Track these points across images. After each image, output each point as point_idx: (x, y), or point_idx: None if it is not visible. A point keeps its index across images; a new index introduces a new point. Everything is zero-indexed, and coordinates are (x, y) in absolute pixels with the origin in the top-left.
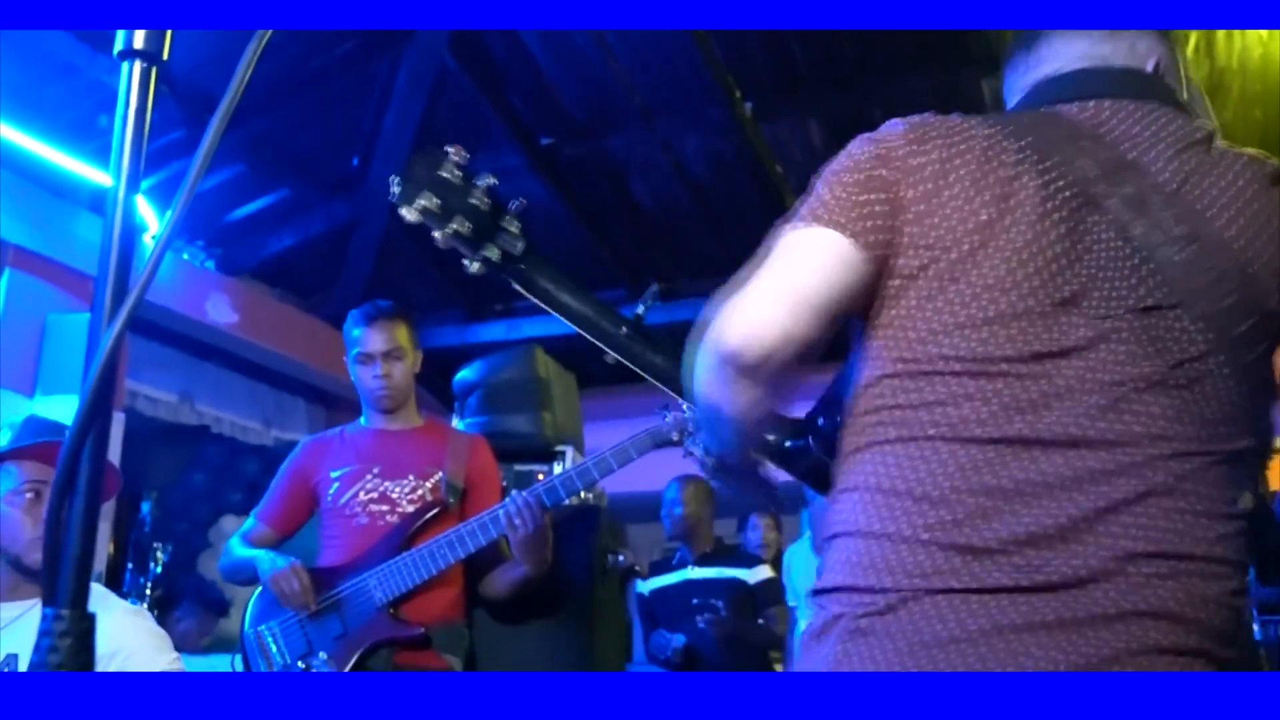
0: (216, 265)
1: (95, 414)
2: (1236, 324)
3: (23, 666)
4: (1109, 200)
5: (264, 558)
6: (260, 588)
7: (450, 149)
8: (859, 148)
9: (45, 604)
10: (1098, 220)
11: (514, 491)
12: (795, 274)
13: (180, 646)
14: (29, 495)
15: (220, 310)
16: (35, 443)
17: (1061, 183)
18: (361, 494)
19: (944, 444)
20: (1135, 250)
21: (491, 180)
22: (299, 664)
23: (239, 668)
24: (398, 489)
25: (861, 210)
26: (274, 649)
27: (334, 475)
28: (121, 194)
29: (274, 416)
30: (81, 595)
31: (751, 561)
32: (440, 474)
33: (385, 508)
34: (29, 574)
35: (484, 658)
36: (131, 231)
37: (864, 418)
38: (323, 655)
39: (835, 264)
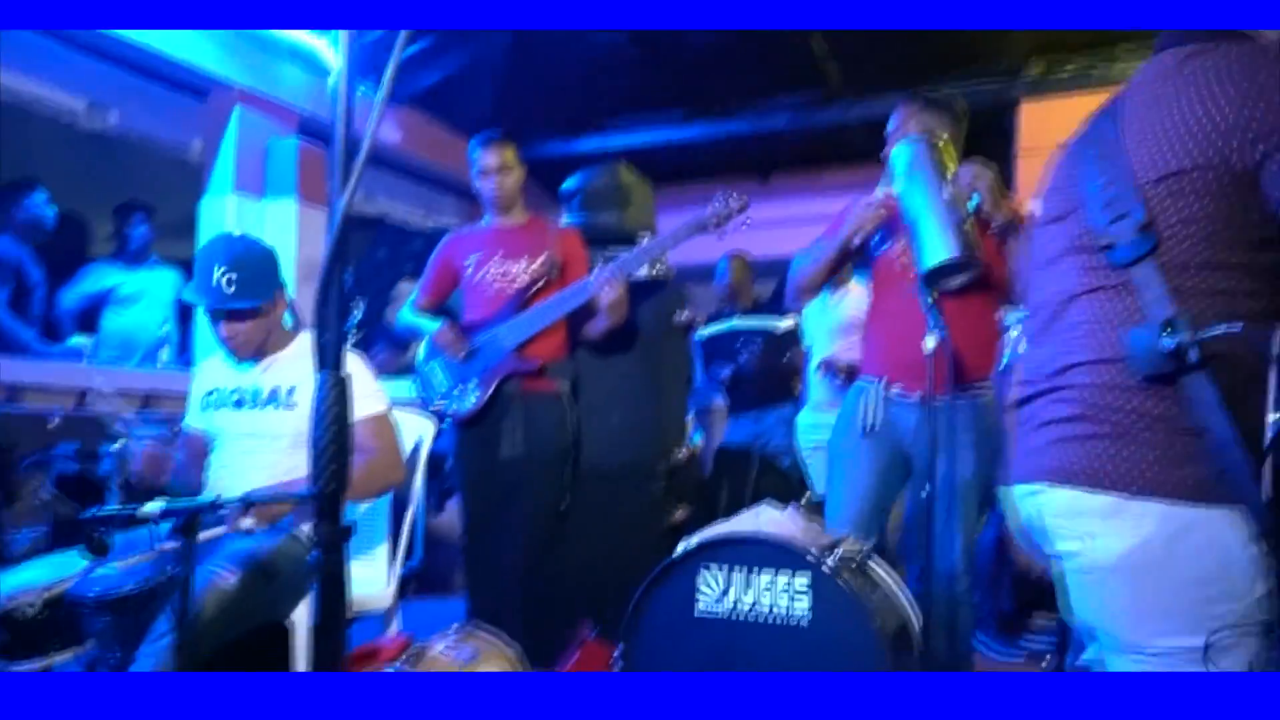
0: None
1: (337, 257)
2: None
3: (299, 397)
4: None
5: (425, 320)
6: (429, 336)
7: None
8: None
9: (319, 367)
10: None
11: (596, 267)
12: None
13: (379, 372)
14: None
15: (388, 130)
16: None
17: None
18: (491, 271)
19: None
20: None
21: None
22: (456, 388)
23: (416, 388)
24: (516, 267)
25: None
26: (436, 380)
27: (469, 260)
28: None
29: (431, 208)
30: (339, 360)
31: (782, 312)
32: (545, 254)
33: (508, 281)
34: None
35: (585, 383)
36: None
37: None
38: (474, 381)
39: None
